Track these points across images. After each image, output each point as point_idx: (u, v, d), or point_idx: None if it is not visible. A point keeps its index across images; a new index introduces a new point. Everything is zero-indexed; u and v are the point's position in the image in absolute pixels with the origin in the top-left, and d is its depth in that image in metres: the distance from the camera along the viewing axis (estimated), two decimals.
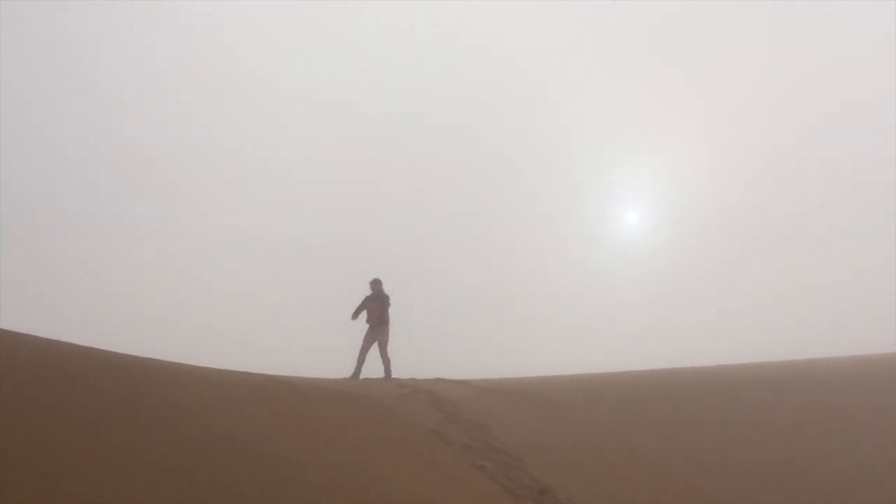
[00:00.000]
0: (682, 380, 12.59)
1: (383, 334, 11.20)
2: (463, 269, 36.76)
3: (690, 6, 42.03)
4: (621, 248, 41.13)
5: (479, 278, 36.29)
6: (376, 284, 11.45)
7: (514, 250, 39.95)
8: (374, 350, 11.20)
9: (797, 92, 41.60)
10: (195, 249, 36.81)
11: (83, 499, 3.41)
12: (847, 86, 40.18)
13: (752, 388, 12.39)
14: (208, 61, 42.24)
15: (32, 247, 33.48)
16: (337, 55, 43.75)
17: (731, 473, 7.81)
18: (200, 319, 30.99)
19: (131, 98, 41.22)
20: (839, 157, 40.16)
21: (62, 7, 39.01)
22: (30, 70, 38.77)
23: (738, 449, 8.66)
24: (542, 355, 27.47)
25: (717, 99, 43.72)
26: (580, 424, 8.82)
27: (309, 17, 43.71)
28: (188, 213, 39.48)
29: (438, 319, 30.05)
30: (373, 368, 11.08)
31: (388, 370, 11.03)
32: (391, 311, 11.40)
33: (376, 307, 11.27)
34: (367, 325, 11.25)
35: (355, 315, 11.28)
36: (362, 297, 11.37)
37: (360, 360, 11.07)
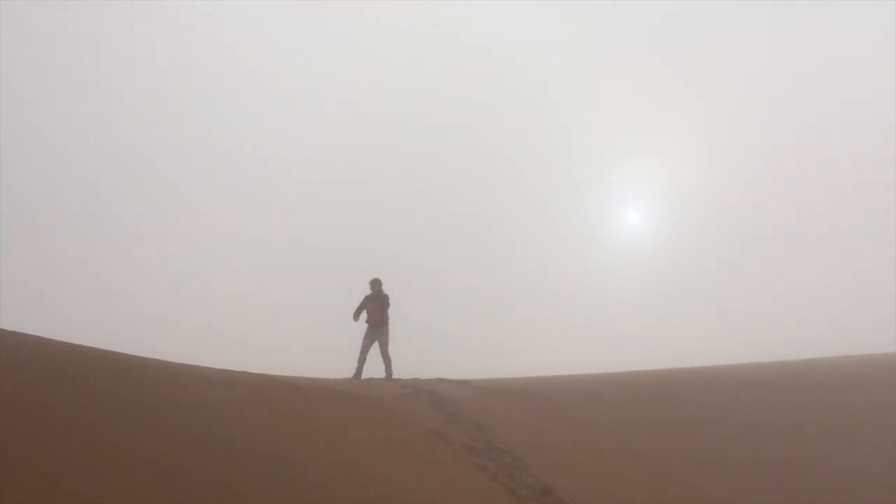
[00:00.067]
0: (683, 380, 12.58)
1: (383, 334, 11.20)
2: (463, 269, 36.77)
3: (690, 6, 42.05)
4: (621, 248, 41.15)
5: (479, 278, 36.30)
6: (376, 284, 11.45)
7: (514, 250, 39.97)
8: (375, 350, 11.20)
9: (797, 92, 41.63)
10: (195, 249, 36.83)
11: (83, 499, 3.41)
12: (847, 86, 40.21)
13: (752, 388, 12.38)
14: (208, 61, 42.26)
15: (32, 247, 33.49)
16: (337, 55, 43.77)
17: (731, 473, 7.81)
18: (200, 319, 31.00)
19: (131, 98, 41.26)
20: (839, 158, 40.18)
21: (62, 7, 39.03)
22: (30, 70, 38.79)
23: (738, 449, 8.66)
24: (542, 355, 27.47)
25: (717, 99, 43.75)
26: (581, 424, 8.82)
27: (309, 17, 43.73)
28: (188, 213, 39.50)
29: (439, 319, 30.06)
30: (374, 369, 11.08)
31: (388, 370, 11.03)
32: (391, 311, 11.40)
33: (376, 307, 11.26)
34: (367, 325, 11.24)
35: (356, 315, 11.27)
36: (362, 297, 11.36)
37: (361, 360, 11.06)
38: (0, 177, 33.25)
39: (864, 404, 11.65)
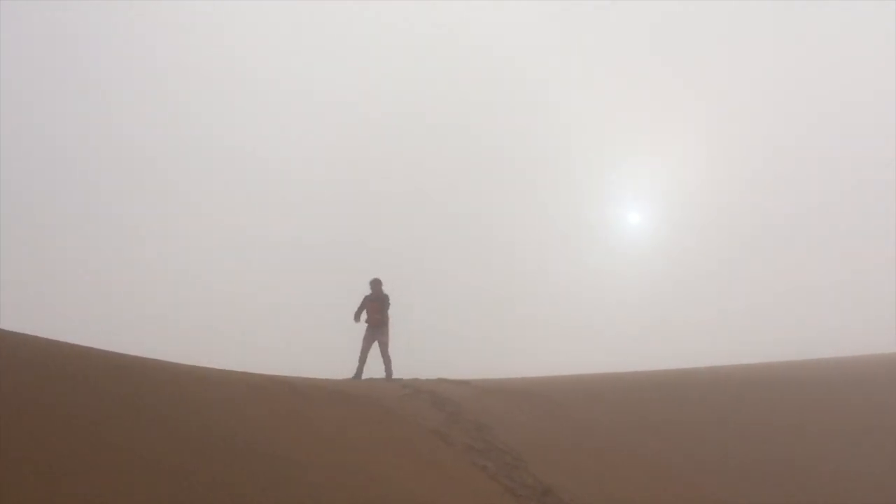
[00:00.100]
0: (683, 380, 12.58)
1: (383, 334, 11.19)
2: (463, 270, 36.77)
3: (690, 6, 42.06)
4: (621, 248, 41.15)
5: (479, 278, 36.30)
6: (376, 284, 11.44)
7: (514, 250, 39.97)
8: (375, 350, 11.19)
9: (797, 92, 41.63)
10: (195, 249, 36.82)
11: (83, 499, 3.41)
12: (847, 86, 40.21)
13: (752, 388, 12.38)
14: (208, 61, 42.26)
15: (32, 247, 33.50)
16: (337, 55, 43.78)
17: (731, 473, 7.81)
18: (200, 319, 31.00)
19: (131, 98, 41.26)
20: (839, 157, 40.18)
21: (62, 7, 39.04)
22: (30, 70, 38.80)
23: (738, 449, 8.66)
24: (542, 355, 27.48)
25: (717, 99, 43.75)
26: (581, 424, 8.82)
27: (309, 17, 43.74)
28: (188, 213, 39.50)
29: (439, 319, 30.06)
30: (374, 369, 11.07)
31: (389, 370, 11.02)
32: (391, 311, 11.39)
33: (376, 307, 11.25)
34: (367, 325, 11.23)
35: (357, 316, 11.25)
36: (362, 297, 11.35)
37: (362, 361, 11.05)
38: (0, 177, 33.26)
39: (864, 404, 11.65)
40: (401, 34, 43.26)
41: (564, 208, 43.30)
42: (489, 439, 7.24)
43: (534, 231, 41.80)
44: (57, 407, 4.45)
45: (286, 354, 26.05)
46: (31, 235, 33.90)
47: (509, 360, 26.13)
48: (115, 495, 3.57)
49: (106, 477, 3.71)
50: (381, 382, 10.36)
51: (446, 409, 8.17)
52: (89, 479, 3.61)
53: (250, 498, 4.10)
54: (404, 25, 43.34)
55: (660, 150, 42.00)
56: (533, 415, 8.78)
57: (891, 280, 30.21)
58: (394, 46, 43.39)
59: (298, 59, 43.42)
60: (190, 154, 41.76)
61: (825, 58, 40.34)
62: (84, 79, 40.13)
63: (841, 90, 40.19)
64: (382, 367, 11.07)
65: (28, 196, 36.59)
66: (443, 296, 33.78)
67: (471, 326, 31.96)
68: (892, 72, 36.08)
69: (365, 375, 10.95)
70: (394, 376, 10.92)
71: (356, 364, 11.03)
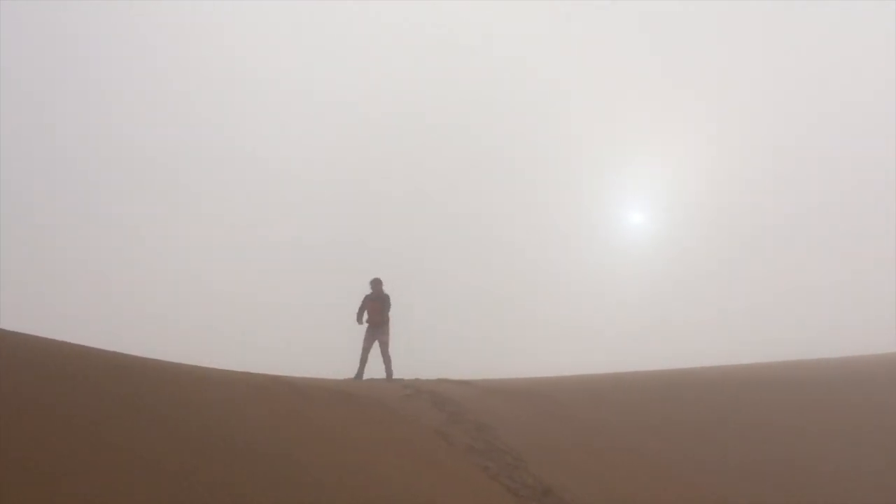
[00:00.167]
0: (683, 380, 12.58)
1: (384, 334, 11.18)
2: (464, 270, 36.78)
3: (690, 6, 42.06)
4: (621, 248, 41.16)
5: (479, 278, 36.31)
6: (376, 284, 11.43)
7: (514, 250, 39.96)
8: (376, 350, 11.18)
9: (797, 92, 41.64)
10: (195, 249, 36.83)
11: (83, 499, 3.40)
12: (847, 86, 40.22)
13: (752, 388, 12.38)
14: (208, 61, 42.27)
15: (32, 247, 33.50)
16: (337, 55, 43.78)
17: (731, 473, 7.81)
18: (200, 319, 31.00)
19: (131, 98, 41.26)
20: (839, 157, 40.17)
21: (62, 7, 39.04)
22: (30, 70, 38.80)
23: (738, 449, 8.66)
24: (543, 355, 27.48)
25: (717, 99, 43.75)
26: (582, 425, 8.82)
27: (309, 17, 43.74)
28: (188, 213, 39.49)
29: (440, 319, 30.07)
30: (376, 369, 11.07)
31: (389, 370, 11.02)
32: (392, 311, 11.38)
33: (377, 307, 11.25)
34: (367, 325, 11.23)
35: (359, 317, 11.23)
36: (362, 297, 11.35)
37: (363, 361, 11.04)
38: (0, 177, 33.27)
39: (864, 404, 11.64)
40: (401, 34, 43.28)
41: (564, 208, 43.33)
42: (490, 439, 7.24)
43: (534, 231, 41.83)
44: (57, 407, 4.45)
45: (287, 354, 26.06)
46: (31, 235, 33.93)
47: (510, 360, 26.14)
48: (115, 495, 3.56)
49: (106, 477, 3.71)
50: (382, 382, 10.35)
51: (447, 409, 8.17)
52: (89, 479, 3.61)
53: (250, 498, 4.10)
54: (404, 25, 43.36)
55: (660, 150, 42.04)
56: (534, 415, 8.78)
57: (891, 280, 30.23)
58: (394, 46, 43.41)
59: (298, 59, 43.44)
60: (190, 154, 41.78)
61: (825, 58, 40.36)
62: (84, 79, 40.16)
63: (841, 90, 40.23)
64: (383, 367, 11.07)
65: (28, 196, 36.61)
66: (443, 296, 33.80)
67: (471, 326, 31.99)
68: (892, 72, 36.10)
69: (366, 375, 10.95)
70: (395, 376, 10.91)
71: (357, 364, 11.02)
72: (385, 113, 42.67)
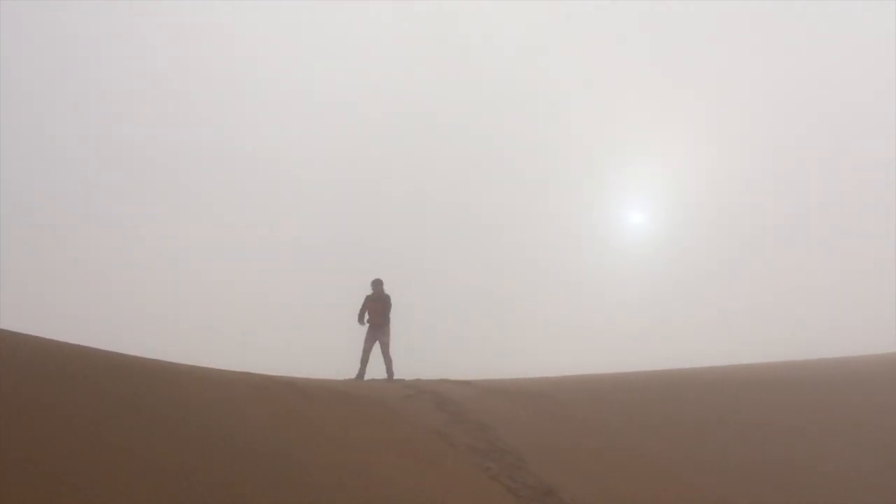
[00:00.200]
0: (683, 380, 12.58)
1: (385, 334, 11.17)
2: (464, 270, 36.78)
3: (690, 6, 42.05)
4: (621, 248, 41.15)
5: (480, 279, 36.30)
6: (377, 284, 11.43)
7: (514, 250, 39.96)
8: (377, 350, 11.18)
9: (797, 92, 41.62)
10: (195, 249, 36.83)
11: (83, 499, 3.40)
12: (847, 86, 40.22)
13: (752, 388, 12.38)
14: (209, 61, 42.27)
15: (32, 247, 33.51)
16: (337, 55, 43.77)
17: (732, 473, 7.81)
18: (200, 319, 31.01)
19: (131, 98, 41.25)
20: (839, 157, 40.17)
21: (62, 7, 39.05)
22: (30, 70, 38.81)
23: (738, 449, 8.66)
24: (543, 356, 27.48)
25: (717, 99, 43.74)
26: (582, 425, 8.82)
27: (309, 17, 43.75)
28: (188, 213, 39.49)
29: (441, 320, 30.07)
30: (377, 369, 11.07)
31: (390, 370, 11.02)
32: (392, 311, 11.37)
33: (378, 307, 11.24)
34: (368, 326, 11.22)
35: (361, 318, 11.22)
36: (363, 297, 11.34)
37: (364, 361, 11.04)
38: (0, 177, 33.27)
39: (864, 404, 11.64)
40: (401, 34, 43.28)
41: (564, 208, 43.31)
42: (491, 440, 7.24)
43: (534, 231, 41.81)
44: (57, 407, 4.45)
45: (287, 354, 26.06)
46: (31, 235, 33.93)
47: (511, 360, 26.14)
48: (115, 495, 3.56)
49: (106, 477, 3.71)
50: (383, 383, 10.35)
51: (448, 409, 8.16)
52: (89, 479, 3.61)
53: (251, 498, 4.10)
54: (404, 25, 43.37)
55: (660, 149, 42.03)
56: (535, 415, 8.78)
57: (891, 280, 30.23)
58: (394, 46, 43.39)
59: (298, 59, 43.44)
60: (190, 154, 41.78)
61: (825, 57, 40.36)
62: (84, 78, 40.16)
63: (841, 90, 40.22)
64: (384, 367, 11.07)
65: (28, 196, 36.62)
66: (444, 296, 33.80)
67: (472, 327, 31.98)
68: (892, 72, 36.10)
69: (367, 376, 10.95)
70: (396, 377, 10.91)
71: (358, 365, 11.02)
72: (385, 113, 42.69)
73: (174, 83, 41.97)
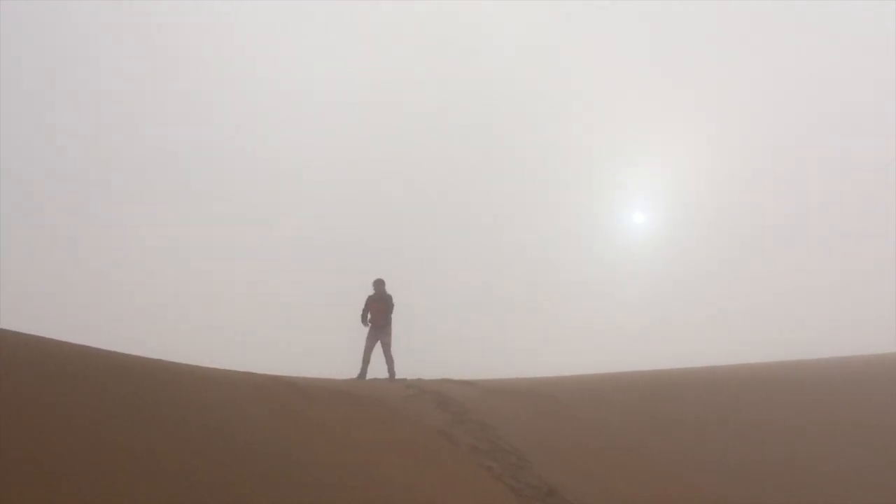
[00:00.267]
0: (684, 380, 12.58)
1: (386, 334, 11.17)
2: (466, 270, 36.80)
3: (691, 6, 42.05)
4: (622, 248, 41.16)
5: (482, 278, 36.32)
6: (379, 284, 11.42)
7: (515, 251, 39.98)
8: (379, 350, 11.17)
9: (797, 92, 41.63)
10: (195, 249, 36.84)
11: (83, 499, 3.40)
12: (847, 85, 40.21)
13: (752, 388, 12.38)
14: (209, 61, 42.27)
15: (32, 247, 33.51)
16: (337, 55, 43.77)
17: (732, 473, 7.80)
18: (200, 319, 31.01)
19: (132, 98, 41.26)
20: (839, 157, 40.17)
21: (62, 7, 39.05)
22: (30, 70, 38.81)
23: (738, 449, 8.65)
24: (545, 355, 27.49)
25: (717, 99, 43.75)
26: (585, 424, 8.82)
27: (309, 17, 43.75)
28: (189, 213, 39.49)
29: (443, 320, 30.07)
30: (378, 369, 11.07)
31: (392, 370, 11.02)
32: (394, 311, 11.36)
33: (380, 307, 11.24)
34: (370, 325, 11.22)
35: (364, 318, 11.22)
36: (365, 298, 11.33)
37: (366, 361, 11.04)
38: (0, 177, 33.27)
39: (864, 404, 11.64)
40: (401, 34, 43.30)
41: (564, 208, 43.33)
42: (494, 439, 7.24)
43: (534, 231, 41.82)
44: (57, 407, 4.45)
45: (288, 354, 26.07)
46: (31, 235, 33.94)
47: (513, 360, 26.15)
48: (115, 495, 3.56)
49: (106, 477, 3.71)
50: (384, 383, 10.35)
51: (451, 409, 8.16)
52: (89, 479, 3.61)
53: (251, 498, 4.09)
54: (405, 25, 43.39)
55: (660, 149, 42.05)
56: (537, 415, 8.78)
57: (891, 280, 30.23)
58: (394, 46, 43.42)
59: (299, 59, 43.44)
60: (190, 153, 41.79)
61: (825, 57, 40.36)
62: (84, 78, 40.17)
63: (841, 90, 40.22)
64: (386, 367, 11.07)
65: (28, 196, 36.61)
66: (446, 296, 33.82)
67: (475, 327, 31.99)
68: (892, 72, 36.10)
69: (369, 376, 10.95)
70: (398, 376, 10.91)
71: (360, 364, 11.02)
72: (386, 113, 42.70)
73: (174, 83, 42.00)
